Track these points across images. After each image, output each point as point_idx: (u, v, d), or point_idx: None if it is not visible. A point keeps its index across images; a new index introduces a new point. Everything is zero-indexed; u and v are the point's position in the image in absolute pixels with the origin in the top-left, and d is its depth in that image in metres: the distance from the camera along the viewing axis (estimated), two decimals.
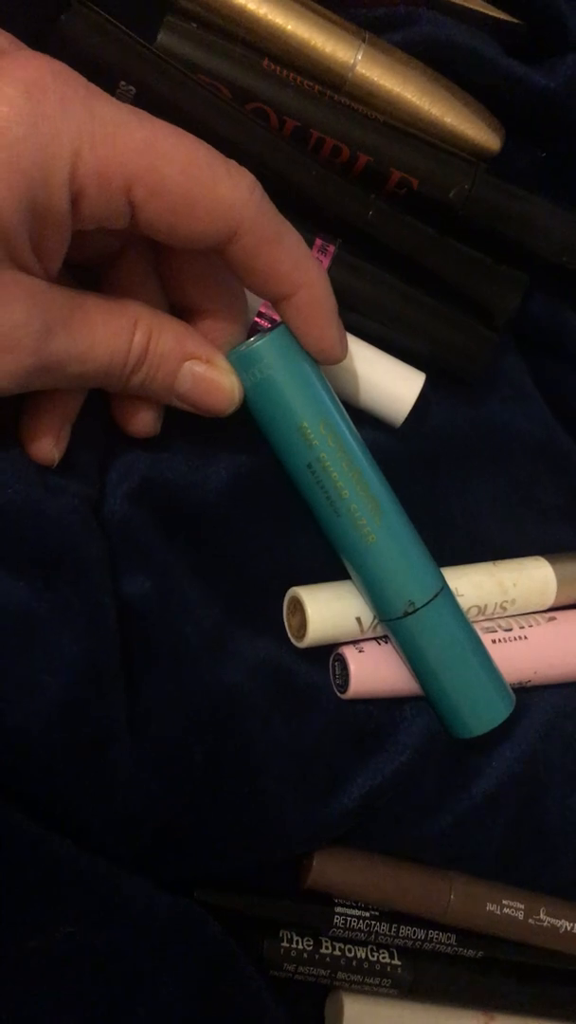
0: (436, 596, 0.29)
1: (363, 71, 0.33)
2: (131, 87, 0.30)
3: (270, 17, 0.32)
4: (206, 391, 0.27)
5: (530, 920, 0.34)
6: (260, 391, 0.28)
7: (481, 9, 0.35)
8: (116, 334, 0.25)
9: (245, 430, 0.29)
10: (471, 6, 0.35)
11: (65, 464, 0.28)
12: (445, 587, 0.30)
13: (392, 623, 0.30)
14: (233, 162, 0.25)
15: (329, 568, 0.31)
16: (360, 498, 0.28)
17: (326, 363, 0.28)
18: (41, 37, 0.27)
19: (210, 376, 0.27)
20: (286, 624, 0.32)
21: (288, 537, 0.32)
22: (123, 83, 0.30)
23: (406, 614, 0.29)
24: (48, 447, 0.27)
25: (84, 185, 0.23)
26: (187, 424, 0.29)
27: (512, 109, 0.35)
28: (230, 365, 0.27)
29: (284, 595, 0.32)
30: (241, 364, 0.27)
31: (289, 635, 0.32)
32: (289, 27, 0.32)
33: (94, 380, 0.26)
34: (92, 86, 0.23)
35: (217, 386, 0.27)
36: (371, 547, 0.29)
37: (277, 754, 0.30)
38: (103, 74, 0.28)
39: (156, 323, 0.26)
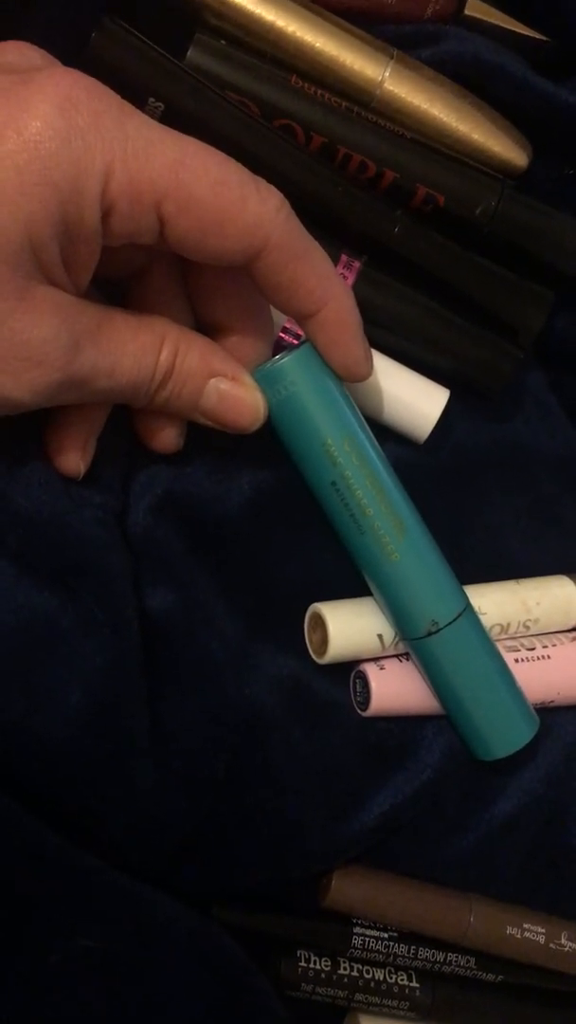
0: (459, 616, 0.29)
1: (391, 88, 0.33)
2: (160, 103, 0.30)
3: (299, 34, 0.32)
4: (231, 408, 0.27)
5: (551, 945, 0.33)
6: (285, 408, 0.28)
7: (508, 26, 0.35)
8: (143, 350, 0.25)
9: (267, 445, 0.29)
10: (499, 23, 0.35)
11: (89, 477, 0.28)
12: (468, 607, 0.30)
13: (414, 643, 0.30)
14: (262, 180, 0.25)
15: (351, 584, 0.31)
16: (384, 516, 0.28)
17: (351, 380, 0.28)
18: (73, 54, 0.28)
19: (235, 393, 0.27)
20: (307, 640, 0.32)
21: (310, 552, 0.32)
22: (152, 99, 0.30)
23: (429, 633, 0.29)
24: (74, 460, 0.27)
25: (115, 200, 0.23)
26: (210, 439, 0.29)
27: (539, 126, 0.35)
28: (255, 382, 0.27)
29: (306, 611, 0.32)
30: (266, 381, 0.27)
31: (310, 651, 0.32)
32: (318, 44, 0.32)
33: (120, 395, 0.26)
34: (124, 103, 0.24)
35: (242, 403, 0.27)
36: (394, 566, 0.29)
37: (298, 770, 0.30)
38: (133, 90, 0.28)
39: (183, 340, 0.26)
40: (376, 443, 0.29)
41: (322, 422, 0.27)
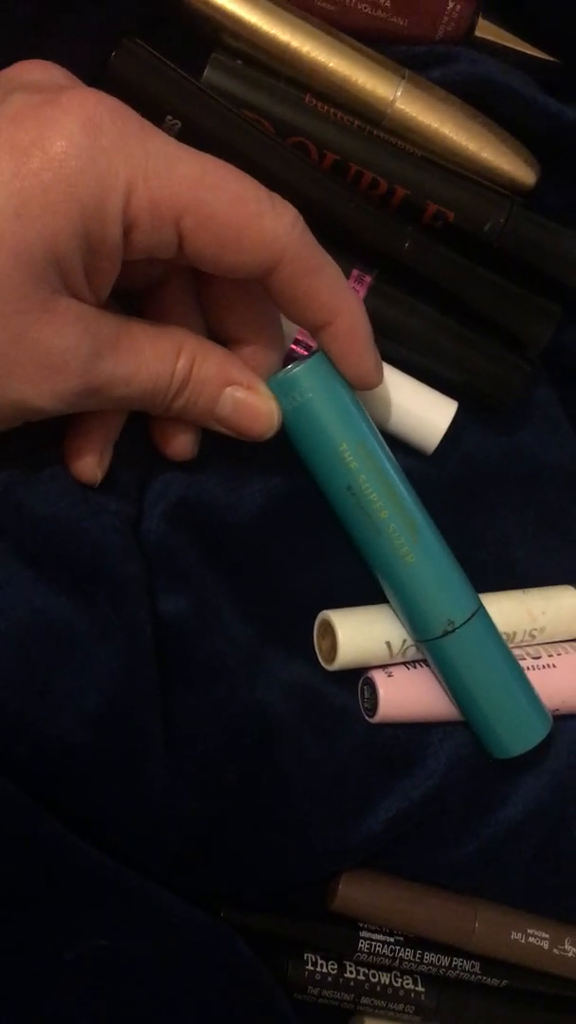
0: (473, 616, 0.30)
1: (402, 107, 0.33)
2: (177, 121, 0.31)
3: (313, 55, 0.33)
4: (246, 416, 0.28)
5: (555, 950, 0.33)
6: (299, 416, 0.28)
7: (518, 47, 0.36)
8: (161, 359, 0.26)
9: (279, 454, 0.30)
10: (509, 44, 0.36)
11: (106, 483, 0.28)
12: (481, 607, 0.30)
13: (430, 643, 0.30)
14: (277, 196, 0.26)
15: (360, 591, 0.32)
16: (398, 519, 0.29)
17: (362, 388, 0.29)
18: (94, 72, 0.28)
19: (251, 401, 0.28)
20: (316, 647, 0.32)
21: (320, 560, 0.33)
22: (169, 117, 0.31)
23: (445, 633, 0.30)
24: (91, 466, 0.28)
25: (137, 216, 0.24)
26: (223, 446, 0.30)
27: (547, 144, 0.36)
28: (270, 391, 0.28)
29: (315, 617, 0.32)
30: (281, 390, 0.28)
31: (319, 658, 0.32)
32: (331, 64, 0.33)
33: (138, 403, 0.26)
34: (145, 122, 0.24)
35: (257, 411, 0.28)
36: (410, 567, 0.29)
37: (307, 774, 0.30)
38: (151, 108, 0.29)
39: (200, 349, 0.27)
40: (388, 448, 0.29)
41: (336, 428, 0.28)
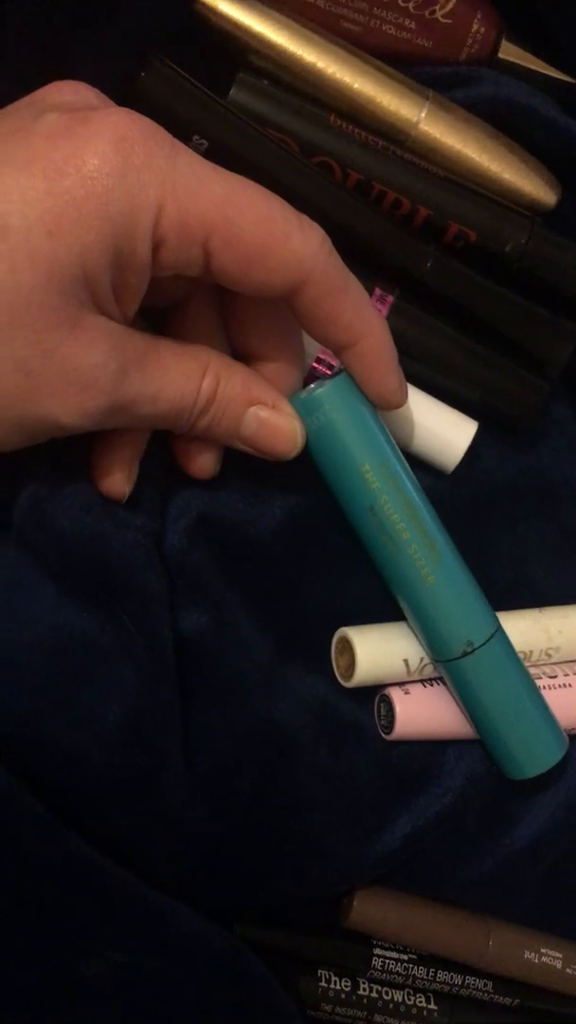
0: (492, 637, 0.30)
1: (426, 128, 0.34)
2: (204, 140, 0.31)
3: (338, 75, 0.33)
4: (270, 435, 0.28)
5: (568, 970, 0.33)
6: (322, 435, 0.28)
7: (542, 70, 0.36)
8: (186, 377, 0.26)
9: (300, 471, 0.30)
10: (532, 66, 0.36)
11: (130, 499, 0.29)
12: (500, 628, 0.30)
13: (449, 664, 0.30)
14: (305, 216, 0.26)
15: (378, 609, 0.32)
16: (419, 539, 0.29)
17: (386, 409, 0.29)
18: (122, 92, 0.29)
19: (275, 421, 0.28)
20: (334, 663, 0.32)
21: (339, 577, 0.33)
22: (196, 136, 0.31)
23: (464, 654, 0.30)
24: (119, 482, 0.28)
25: (165, 234, 0.24)
26: (244, 464, 0.30)
27: (569, 166, 0.36)
28: (294, 410, 0.28)
29: (333, 634, 0.32)
30: (304, 409, 0.28)
31: (337, 674, 0.32)
32: (356, 85, 0.33)
33: (163, 421, 0.27)
34: (176, 141, 0.24)
35: (281, 431, 0.28)
36: (430, 588, 0.29)
37: (323, 791, 0.30)
38: (178, 128, 0.29)
39: (224, 368, 0.27)
40: (409, 469, 0.29)
41: (359, 448, 0.28)
